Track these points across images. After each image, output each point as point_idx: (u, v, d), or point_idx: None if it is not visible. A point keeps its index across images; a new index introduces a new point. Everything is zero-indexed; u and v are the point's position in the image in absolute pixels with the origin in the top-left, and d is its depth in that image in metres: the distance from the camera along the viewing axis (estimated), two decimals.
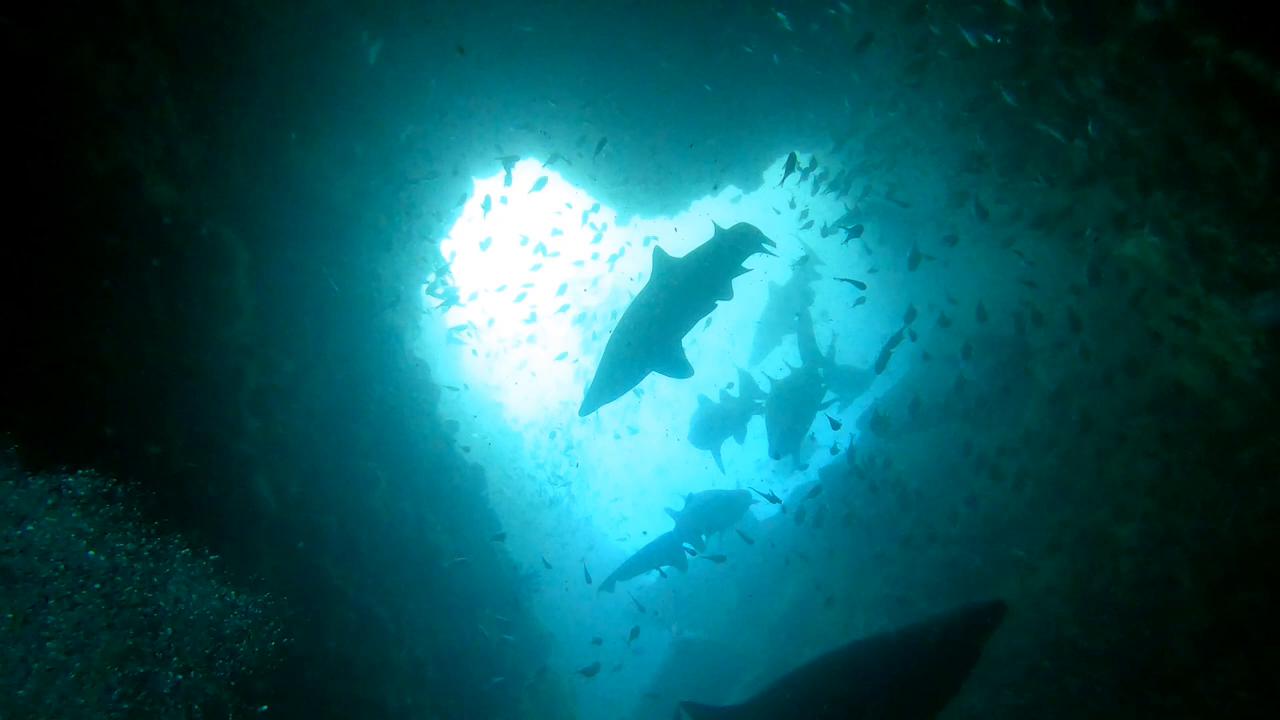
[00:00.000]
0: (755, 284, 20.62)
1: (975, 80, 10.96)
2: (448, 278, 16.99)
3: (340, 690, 9.25)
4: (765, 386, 15.51)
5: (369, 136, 12.64)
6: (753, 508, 16.19)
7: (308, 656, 8.91)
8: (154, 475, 7.07)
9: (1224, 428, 9.42)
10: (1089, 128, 9.43)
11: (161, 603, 6.57)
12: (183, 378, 7.85)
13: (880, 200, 15.11)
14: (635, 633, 13.25)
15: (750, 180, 17.85)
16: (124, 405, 7.16)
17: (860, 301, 12.39)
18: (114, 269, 7.00)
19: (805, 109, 15.42)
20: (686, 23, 13.61)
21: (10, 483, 5.98)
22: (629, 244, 19.56)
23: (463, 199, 16.49)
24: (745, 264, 9.75)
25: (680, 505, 15.01)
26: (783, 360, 17.46)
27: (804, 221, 16.06)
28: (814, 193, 15.24)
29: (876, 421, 13.38)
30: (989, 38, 9.78)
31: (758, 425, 16.54)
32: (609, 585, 14.42)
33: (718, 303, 9.78)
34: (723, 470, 16.46)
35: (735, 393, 16.71)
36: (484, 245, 17.89)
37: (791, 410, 14.36)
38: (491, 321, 23.46)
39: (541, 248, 18.44)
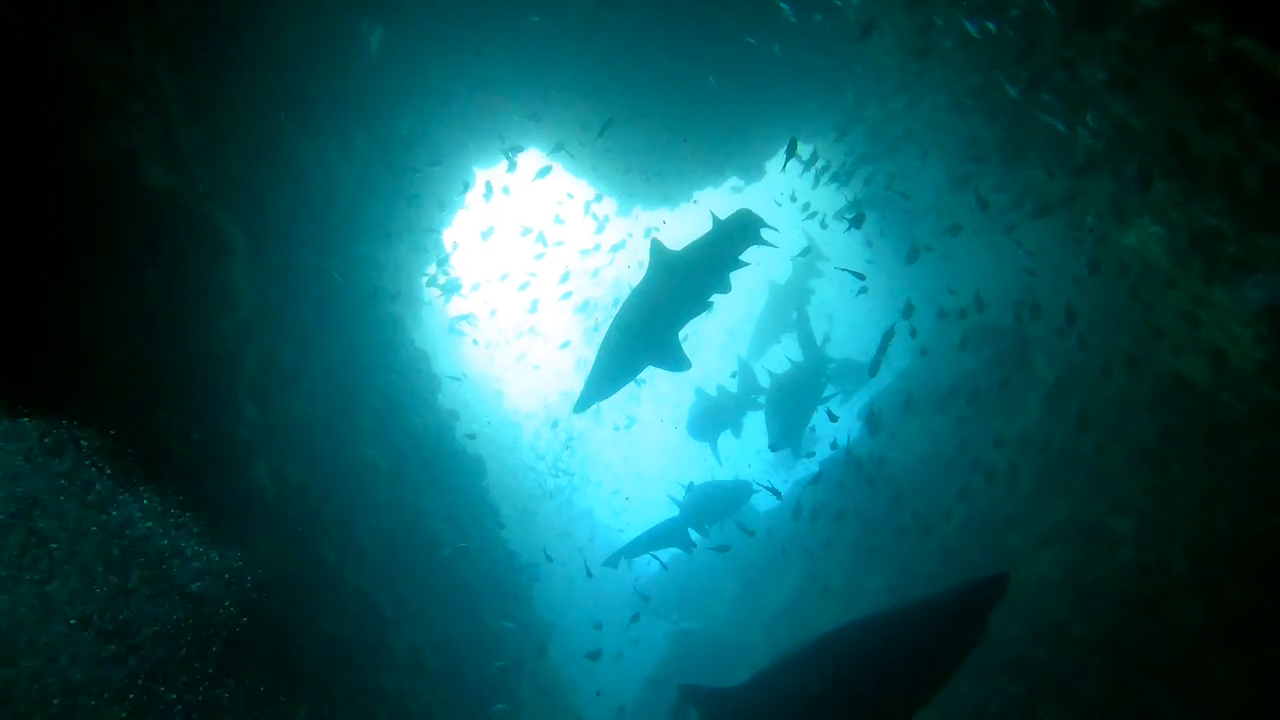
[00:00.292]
0: (755, 280, 20.70)
1: (977, 69, 10.92)
2: (449, 267, 16.98)
3: (339, 675, 9.29)
4: (765, 381, 15.53)
5: (370, 126, 12.63)
6: (754, 499, 16.25)
7: (306, 640, 8.97)
8: (155, 459, 7.11)
9: (1223, 420, 9.39)
10: (1089, 117, 9.38)
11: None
12: (181, 364, 7.87)
13: (881, 191, 15.07)
14: (635, 618, 13.28)
15: (753, 171, 17.81)
16: (121, 391, 7.19)
17: (863, 291, 12.37)
18: (111, 255, 7.01)
19: (808, 100, 15.37)
20: (689, 14, 13.57)
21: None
22: (630, 235, 19.54)
23: (465, 188, 16.48)
24: (746, 255, 9.65)
25: (683, 495, 15.05)
26: (783, 356, 17.52)
27: (807, 213, 16.04)
28: (815, 185, 15.21)
29: (870, 419, 13.38)
30: (990, 26, 9.73)
31: (754, 420, 16.66)
32: (613, 562, 14.58)
33: (717, 295, 9.66)
34: (720, 463, 16.51)
35: (736, 383, 16.73)
36: (485, 235, 17.89)
37: (791, 403, 14.35)
38: (494, 312, 23.48)
39: (542, 238, 18.43)
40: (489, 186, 15.46)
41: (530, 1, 13.14)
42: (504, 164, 14.76)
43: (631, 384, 11.42)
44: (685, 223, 16.09)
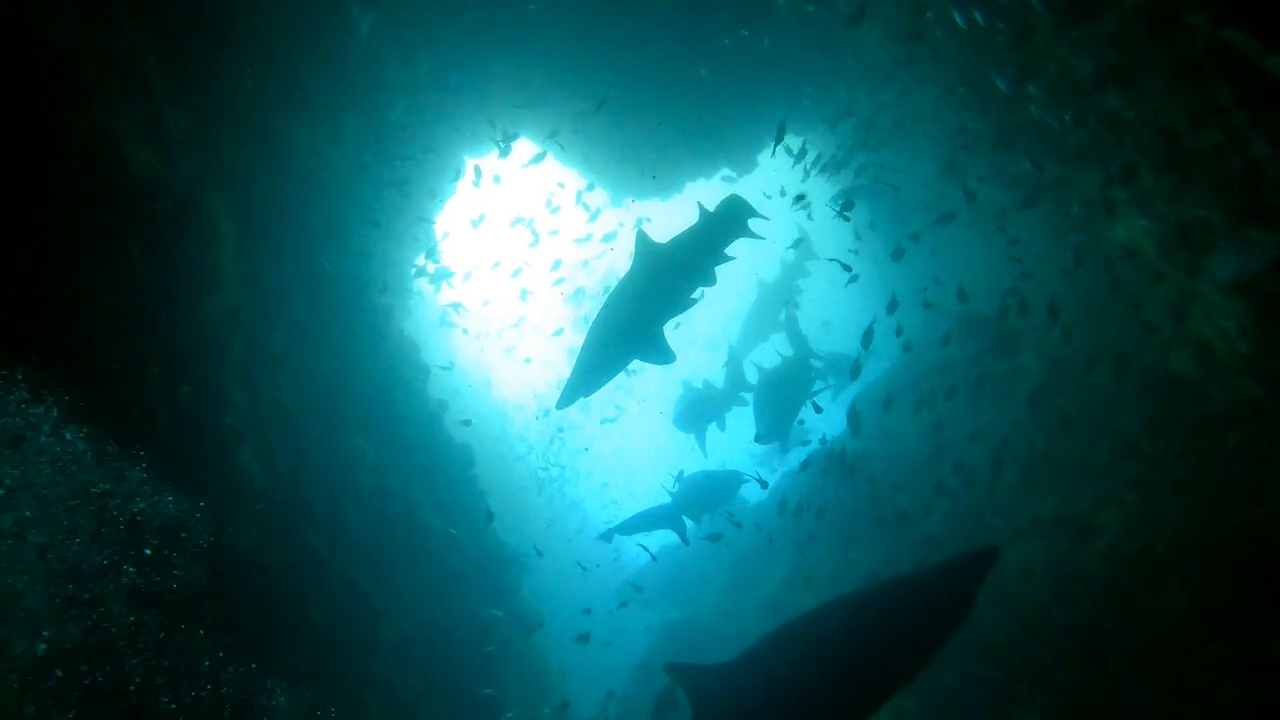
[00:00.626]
0: (744, 277, 20.73)
1: (968, 58, 10.92)
2: (439, 255, 16.94)
3: (326, 662, 9.28)
4: (753, 377, 15.59)
5: (361, 111, 12.56)
6: (745, 491, 16.34)
7: (294, 628, 8.96)
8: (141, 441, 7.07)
9: (1209, 411, 9.45)
10: (1079, 109, 9.41)
11: None
12: (167, 348, 7.82)
13: (871, 184, 15.11)
14: (624, 604, 13.35)
15: (744, 163, 17.82)
16: (107, 375, 7.15)
17: (853, 279, 12.38)
18: (95, 237, 6.96)
19: (800, 94, 15.37)
20: (684, 5, 13.53)
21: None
22: (621, 225, 19.52)
23: (456, 176, 16.42)
24: (736, 247, 9.54)
25: (674, 485, 15.12)
26: (772, 352, 17.58)
27: (800, 204, 16.05)
28: (804, 179, 15.22)
29: (852, 418, 13.44)
30: (978, 17, 9.73)
31: (739, 415, 16.79)
32: (608, 537, 14.69)
33: (703, 290, 9.52)
34: (705, 455, 16.60)
35: (724, 376, 16.79)
36: (475, 223, 17.84)
37: (780, 397, 14.39)
38: (487, 302, 23.42)
39: (531, 223, 18.40)
40: (478, 171, 15.40)
41: None
42: (495, 152, 14.71)
43: (621, 374, 11.38)
44: (677, 213, 16.07)
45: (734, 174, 18.17)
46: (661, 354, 9.53)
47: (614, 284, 10.22)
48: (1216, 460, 9.09)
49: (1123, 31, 8.47)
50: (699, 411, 16.83)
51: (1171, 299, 9.68)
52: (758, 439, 14.48)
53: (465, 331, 21.52)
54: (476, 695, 12.26)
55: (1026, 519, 11.00)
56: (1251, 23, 7.04)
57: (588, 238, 19.92)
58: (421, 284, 17.46)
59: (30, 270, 6.62)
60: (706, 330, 31.26)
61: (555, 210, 18.16)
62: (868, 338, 10.95)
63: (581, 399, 9.73)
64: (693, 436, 17.30)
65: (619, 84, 14.38)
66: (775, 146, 11.43)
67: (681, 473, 14.89)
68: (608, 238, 19.66)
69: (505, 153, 14.38)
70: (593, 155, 16.87)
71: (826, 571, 14.41)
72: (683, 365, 11.11)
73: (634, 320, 9.35)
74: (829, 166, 14.71)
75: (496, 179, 16.04)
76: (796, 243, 20.98)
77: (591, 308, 23.33)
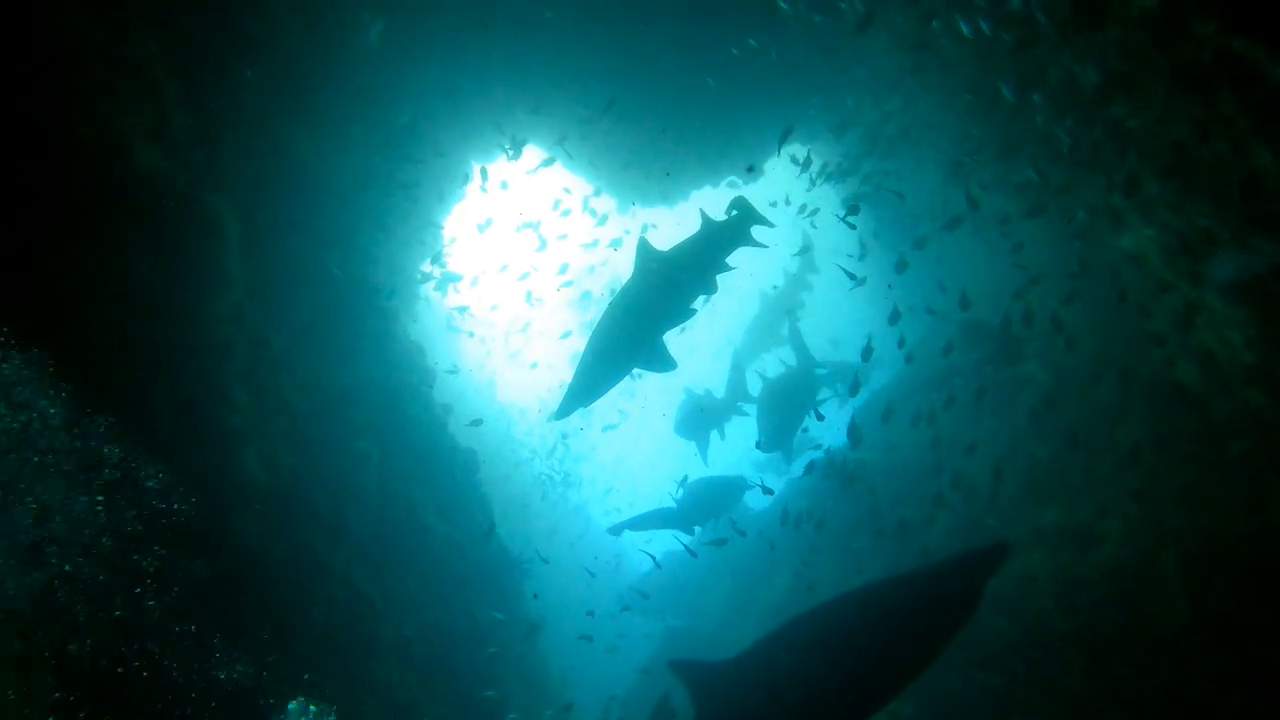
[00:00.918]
0: (748, 288, 20.80)
1: (973, 66, 10.94)
2: (446, 259, 16.99)
3: (326, 662, 9.29)
4: (754, 388, 15.63)
5: (369, 116, 12.63)
6: (748, 499, 16.34)
7: (296, 628, 8.98)
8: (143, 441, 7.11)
9: (1213, 421, 9.42)
10: (1083, 118, 9.41)
11: None
12: (171, 348, 7.87)
13: (876, 191, 15.13)
14: (627, 608, 13.33)
15: (751, 171, 17.82)
16: (112, 375, 7.19)
17: (859, 283, 12.38)
18: (100, 236, 7.01)
19: (806, 102, 15.41)
20: (690, 15, 13.59)
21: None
22: (627, 232, 19.56)
23: (464, 180, 16.48)
24: (740, 256, 9.50)
25: (680, 492, 15.12)
26: (775, 362, 17.61)
27: (806, 212, 16.10)
28: (810, 189, 15.25)
29: (852, 432, 13.42)
30: (984, 26, 9.75)
31: (739, 424, 16.82)
32: (617, 531, 14.72)
33: (705, 297, 9.48)
34: (706, 462, 16.59)
35: (726, 385, 16.82)
36: (482, 228, 17.90)
37: (783, 406, 14.38)
38: (495, 307, 23.47)
39: (535, 226, 18.45)
40: (485, 174, 15.47)
41: None
42: (503, 157, 14.77)
43: (624, 380, 11.35)
44: (682, 221, 16.11)
45: (739, 181, 18.21)
46: (662, 362, 9.51)
47: (617, 291, 10.21)
48: (1219, 470, 9.05)
49: (1128, 39, 8.48)
50: (700, 420, 16.83)
51: (1177, 309, 9.66)
52: (759, 447, 14.48)
53: (471, 335, 21.56)
54: (478, 697, 12.25)
55: (1028, 528, 10.96)
56: (1259, 31, 7.05)
57: (594, 243, 19.97)
58: (428, 288, 17.50)
59: (35, 267, 6.67)
60: (710, 339, 31.26)
61: (566, 214, 18.21)
62: (867, 353, 10.94)
63: (580, 409, 9.72)
64: (694, 444, 17.29)
65: (627, 92, 14.44)
66: (779, 149, 11.45)
67: (685, 478, 14.88)
68: (614, 244, 19.71)
69: (515, 156, 14.45)
70: (599, 162, 16.93)
71: (829, 581, 14.37)
72: (689, 373, 11.09)
73: (635, 330, 9.31)
74: (834, 175, 14.73)
75: (504, 185, 16.10)
76: (802, 250, 21.00)
77: (597, 312, 23.36)
